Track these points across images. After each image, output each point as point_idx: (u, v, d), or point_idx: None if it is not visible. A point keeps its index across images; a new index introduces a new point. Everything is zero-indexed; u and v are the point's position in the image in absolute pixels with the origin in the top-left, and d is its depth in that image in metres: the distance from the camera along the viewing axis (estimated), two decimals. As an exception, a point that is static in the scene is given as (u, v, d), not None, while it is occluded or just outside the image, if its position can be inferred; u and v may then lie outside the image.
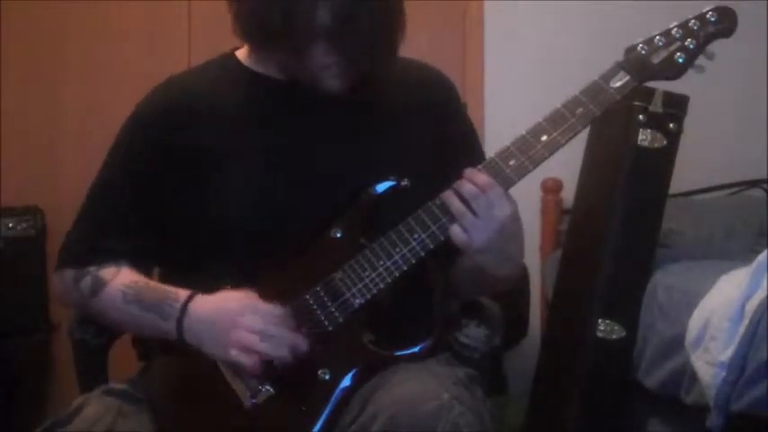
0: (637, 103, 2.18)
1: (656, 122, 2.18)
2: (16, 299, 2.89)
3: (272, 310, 1.27)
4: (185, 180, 1.36)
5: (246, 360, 1.24)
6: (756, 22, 2.86)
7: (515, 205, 1.26)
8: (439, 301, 1.39)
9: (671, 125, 2.19)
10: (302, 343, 1.26)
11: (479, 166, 1.28)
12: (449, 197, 1.25)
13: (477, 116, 3.05)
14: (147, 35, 3.16)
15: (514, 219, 1.26)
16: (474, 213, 1.23)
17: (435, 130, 1.41)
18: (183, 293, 1.31)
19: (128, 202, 1.39)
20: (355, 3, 1.24)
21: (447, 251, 1.32)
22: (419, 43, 3.10)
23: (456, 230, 1.24)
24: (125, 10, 3.17)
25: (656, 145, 2.20)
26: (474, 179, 1.24)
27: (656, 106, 2.17)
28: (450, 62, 3.03)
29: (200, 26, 3.09)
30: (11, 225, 2.94)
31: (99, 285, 1.36)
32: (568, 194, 2.66)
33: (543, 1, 3.08)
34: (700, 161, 2.80)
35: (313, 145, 1.36)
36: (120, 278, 1.35)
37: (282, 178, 1.35)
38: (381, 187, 1.31)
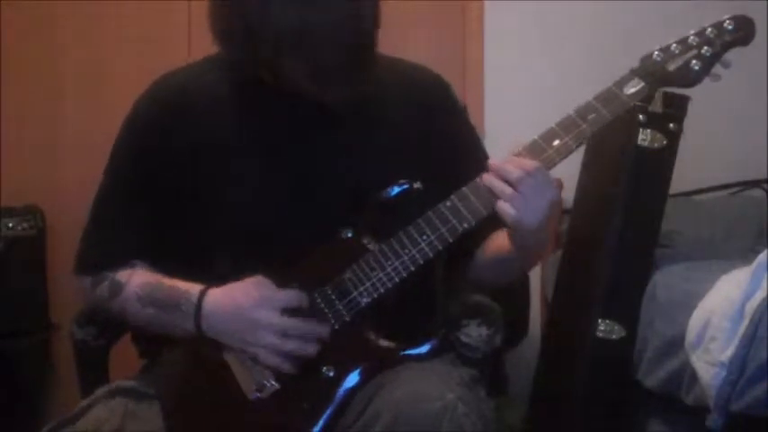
0: (637, 103, 2.17)
1: (656, 122, 2.18)
2: (16, 299, 2.89)
3: (283, 299, 1.28)
4: (185, 177, 1.37)
5: (275, 361, 1.27)
6: (757, 23, 2.86)
7: (556, 187, 1.28)
8: (444, 301, 1.39)
9: (671, 125, 2.18)
10: (324, 330, 1.28)
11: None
12: (493, 182, 1.25)
13: (477, 116, 3.05)
14: (147, 35, 3.16)
15: (558, 200, 1.28)
16: (523, 196, 1.23)
17: (433, 131, 1.41)
18: (194, 290, 1.32)
19: (133, 201, 1.40)
20: (315, 6, 1.23)
21: (469, 243, 1.32)
22: (419, 43, 3.11)
23: (506, 209, 1.24)
24: (125, 10, 3.17)
25: (656, 145, 2.19)
26: (519, 163, 1.25)
27: (656, 106, 2.17)
28: (450, 62, 3.04)
29: (200, 26, 3.07)
30: (11, 225, 2.94)
31: (116, 289, 1.37)
32: (568, 194, 2.66)
33: (543, 1, 3.09)
34: (700, 161, 2.80)
35: (312, 144, 1.36)
36: (135, 280, 1.36)
37: (283, 177, 1.36)
38: (395, 190, 1.32)
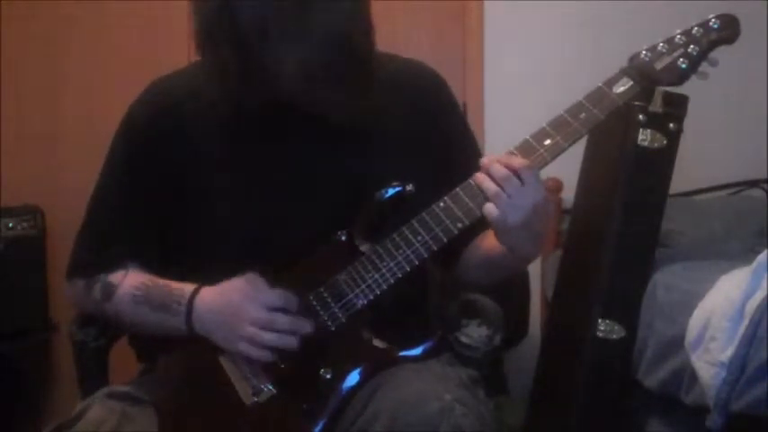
0: (637, 103, 2.17)
1: (656, 122, 2.18)
2: (16, 299, 2.89)
3: (272, 296, 1.28)
4: (179, 182, 1.37)
5: (255, 352, 1.27)
6: (756, 23, 2.86)
7: (545, 190, 1.27)
8: (439, 301, 1.39)
9: (671, 125, 2.18)
10: (306, 325, 1.28)
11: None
12: (482, 179, 1.25)
13: (477, 116, 3.05)
14: (147, 35, 3.16)
15: (546, 201, 1.27)
16: (507, 194, 1.23)
17: (428, 131, 1.41)
18: (187, 289, 1.33)
19: (127, 207, 1.40)
20: (305, 14, 1.21)
21: (456, 243, 1.32)
22: (419, 43, 3.11)
23: (490, 208, 1.24)
24: (125, 10, 3.17)
25: (656, 145, 2.19)
26: (508, 161, 1.24)
27: (656, 106, 2.17)
28: (450, 62, 3.04)
29: (200, 26, 3.08)
30: (11, 225, 2.94)
31: (110, 290, 1.37)
32: (568, 194, 2.66)
33: (543, 1, 3.08)
34: (700, 161, 2.80)
35: (306, 146, 1.35)
36: (129, 281, 1.37)
37: (277, 180, 1.35)
38: (388, 192, 1.32)
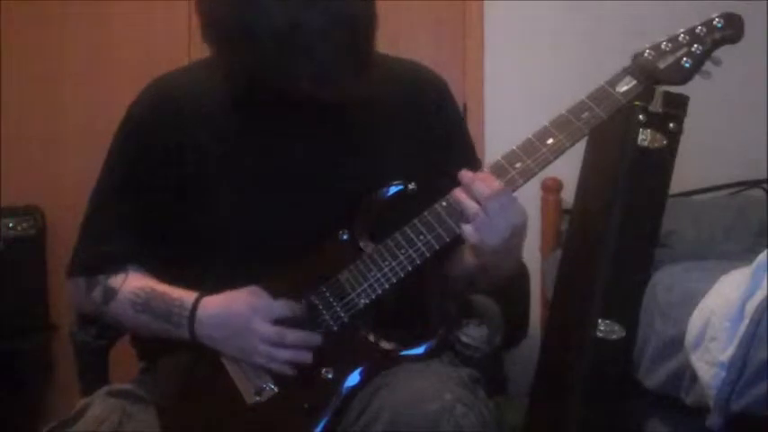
0: (637, 103, 2.17)
1: (656, 122, 2.18)
2: (16, 299, 2.89)
3: (277, 308, 1.28)
4: (180, 182, 1.36)
5: (275, 367, 1.28)
6: (756, 23, 2.86)
7: (525, 212, 1.28)
8: (441, 301, 1.39)
9: (671, 125, 2.18)
10: (317, 339, 1.28)
11: (486, 168, 1.29)
12: (462, 198, 1.25)
13: (477, 117, 3.05)
14: (147, 35, 3.17)
15: (524, 224, 1.28)
16: (487, 215, 1.23)
17: (427, 130, 1.41)
18: (188, 299, 1.32)
19: (128, 205, 1.39)
20: (313, 5, 1.20)
21: (445, 250, 1.32)
22: (419, 43, 3.11)
23: (469, 230, 1.24)
24: (125, 10, 3.17)
25: (656, 145, 2.19)
26: (488, 182, 1.25)
27: (656, 106, 2.17)
28: (450, 62, 3.04)
29: (200, 26, 3.08)
30: (11, 225, 2.94)
31: (110, 294, 1.37)
32: (568, 194, 2.66)
33: (543, 1, 3.09)
34: (700, 161, 2.80)
35: (308, 146, 1.35)
36: (128, 285, 1.36)
37: (278, 180, 1.35)
38: (390, 191, 1.32)
